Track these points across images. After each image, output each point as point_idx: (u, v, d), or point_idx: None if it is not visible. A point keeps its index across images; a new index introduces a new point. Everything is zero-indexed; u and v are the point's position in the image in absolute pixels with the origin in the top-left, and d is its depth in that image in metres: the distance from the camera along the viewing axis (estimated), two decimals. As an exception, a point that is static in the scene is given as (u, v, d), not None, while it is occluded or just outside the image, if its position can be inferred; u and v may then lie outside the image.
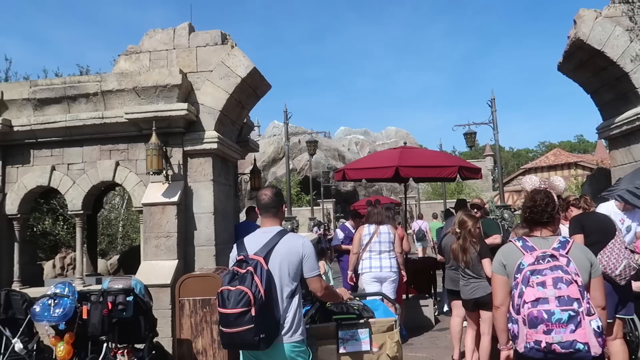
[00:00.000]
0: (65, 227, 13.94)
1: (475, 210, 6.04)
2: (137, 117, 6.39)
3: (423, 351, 6.12)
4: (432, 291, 8.23)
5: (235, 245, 2.98)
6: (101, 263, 10.31)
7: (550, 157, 38.96)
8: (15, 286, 6.54)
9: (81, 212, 6.74)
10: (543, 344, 2.26)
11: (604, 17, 6.41)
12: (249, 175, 9.18)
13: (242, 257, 2.79)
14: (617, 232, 4.38)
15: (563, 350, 2.24)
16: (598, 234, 4.35)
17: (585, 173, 32.14)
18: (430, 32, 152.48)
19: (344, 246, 7.72)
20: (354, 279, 6.36)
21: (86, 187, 6.73)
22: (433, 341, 6.63)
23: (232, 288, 2.64)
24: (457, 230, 5.01)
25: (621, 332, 4.36)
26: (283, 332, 2.73)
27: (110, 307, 4.72)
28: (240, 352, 2.89)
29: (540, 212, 2.62)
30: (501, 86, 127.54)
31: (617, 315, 4.30)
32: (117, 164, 6.73)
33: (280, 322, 2.72)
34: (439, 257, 6.45)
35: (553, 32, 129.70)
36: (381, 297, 4.14)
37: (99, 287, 5.65)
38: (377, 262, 5.95)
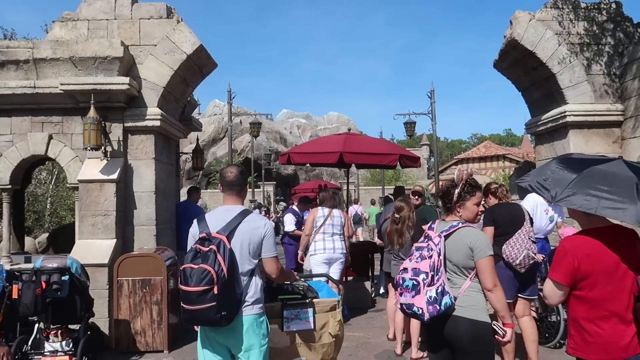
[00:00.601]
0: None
1: (417, 197, 6.32)
2: (74, 89, 6.08)
3: (360, 331, 6.38)
4: (370, 274, 8.54)
5: (195, 222, 2.94)
6: (28, 241, 9.74)
7: (481, 148, 40.99)
8: None
9: (9, 186, 6.36)
10: (397, 304, 2.91)
11: (537, 19, 6.84)
12: (190, 154, 9.00)
13: (204, 234, 2.77)
14: (524, 223, 4.75)
15: (407, 311, 2.80)
16: (507, 225, 4.74)
17: (512, 165, 34.16)
18: (374, 20, 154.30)
19: (297, 232, 7.78)
20: (303, 259, 6.48)
21: (15, 160, 6.34)
22: (370, 321, 6.92)
23: (195, 266, 2.64)
24: (396, 215, 5.26)
25: (528, 311, 4.89)
26: (243, 307, 2.79)
27: (44, 287, 4.54)
28: (199, 327, 2.91)
29: (444, 199, 3.02)
30: (439, 77, 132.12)
31: (520, 296, 4.79)
32: (51, 137, 6.38)
33: (241, 298, 2.78)
34: (378, 241, 6.71)
35: (491, 28, 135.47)
36: (326, 278, 4.28)
37: (29, 265, 5.40)
38: (330, 244, 6.12)
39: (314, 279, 4.10)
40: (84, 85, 6.04)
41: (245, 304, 2.80)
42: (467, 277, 2.78)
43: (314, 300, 3.38)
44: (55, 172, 15.34)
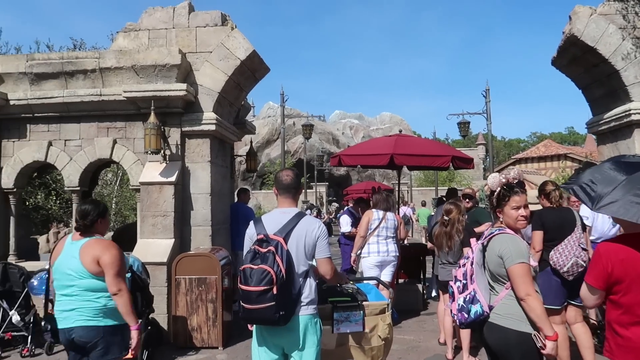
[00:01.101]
0: (57, 202, 13.96)
1: (467, 200, 6.21)
2: (136, 96, 6.42)
3: (411, 334, 6.33)
4: (422, 277, 8.44)
5: (252, 223, 3.06)
6: (94, 239, 10.39)
7: (541, 148, 39.27)
8: (11, 260, 6.62)
9: (77, 188, 6.81)
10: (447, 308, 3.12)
11: (598, 14, 6.51)
12: (244, 156, 9.26)
13: (262, 236, 2.88)
14: (575, 229, 4.57)
15: (453, 312, 2.90)
16: (556, 231, 4.58)
17: (574, 165, 32.53)
18: (427, 17, 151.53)
19: (354, 232, 7.80)
20: (356, 262, 6.50)
21: (83, 163, 6.78)
22: (421, 325, 6.85)
23: (255, 266, 2.76)
24: (445, 218, 5.18)
25: (581, 317, 4.70)
26: (299, 307, 2.87)
27: (108, 283, 4.82)
28: (255, 326, 3.01)
29: (490, 206, 2.99)
30: (495, 74, 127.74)
31: (571, 302, 4.62)
32: (115, 141, 6.77)
33: (298, 299, 2.87)
34: (429, 244, 6.63)
35: (549, 23, 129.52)
36: (376, 281, 4.29)
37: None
38: (384, 247, 6.15)
39: (364, 282, 4.12)
40: (145, 92, 6.36)
41: (301, 304, 2.88)
42: (504, 285, 2.74)
43: (364, 303, 3.41)
44: (120, 174, 16.19)
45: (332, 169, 32.43)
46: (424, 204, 20.47)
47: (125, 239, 9.62)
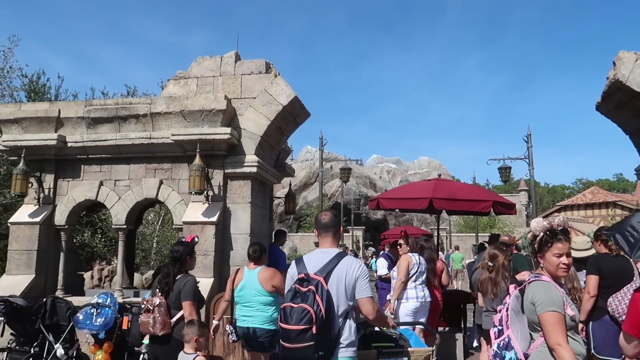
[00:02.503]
0: (102, 240, 14.47)
1: (504, 247, 6.05)
2: (183, 139, 6.72)
3: (451, 385, 6.06)
4: (462, 325, 8.14)
5: (293, 263, 3.11)
6: (136, 277, 10.64)
7: (588, 195, 37.76)
8: (59, 294, 6.86)
9: (124, 226, 7.07)
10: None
11: (644, 59, 6.42)
12: (283, 198, 9.40)
13: (303, 275, 2.92)
14: (634, 278, 4.41)
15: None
16: (614, 277, 4.44)
17: (624, 213, 31.06)
18: (466, 64, 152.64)
19: (389, 275, 7.70)
20: (393, 309, 6.35)
21: (131, 202, 7.06)
22: (461, 376, 6.54)
23: (295, 305, 2.79)
24: (490, 263, 5.05)
25: None
26: (338, 348, 2.86)
27: (150, 320, 4.92)
28: None
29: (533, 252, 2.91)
30: (537, 120, 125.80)
31: None
32: (161, 182, 7.05)
33: (337, 339, 2.85)
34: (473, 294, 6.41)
35: (591, 67, 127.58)
36: (421, 327, 4.20)
37: (138, 299, 5.89)
38: (421, 292, 6.03)
39: (403, 327, 4.04)
40: (192, 135, 6.66)
41: (340, 345, 2.86)
42: (539, 332, 2.65)
43: (409, 349, 3.34)
44: (162, 213, 16.68)
45: (369, 212, 32.24)
46: (457, 248, 20.30)
47: (165, 277, 9.84)
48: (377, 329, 3.59)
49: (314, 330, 2.72)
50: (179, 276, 4.07)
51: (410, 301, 6.08)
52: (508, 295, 2.92)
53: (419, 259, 6.24)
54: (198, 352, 3.77)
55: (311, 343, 2.71)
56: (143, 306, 3.98)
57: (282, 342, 2.83)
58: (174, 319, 3.96)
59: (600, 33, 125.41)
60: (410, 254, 6.36)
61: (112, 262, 15.60)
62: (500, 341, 2.71)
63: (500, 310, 2.87)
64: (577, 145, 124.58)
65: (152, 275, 11.49)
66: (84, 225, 13.72)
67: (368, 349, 3.34)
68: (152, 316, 3.85)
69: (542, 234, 2.79)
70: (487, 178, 78.19)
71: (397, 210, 8.72)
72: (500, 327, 2.77)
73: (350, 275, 2.95)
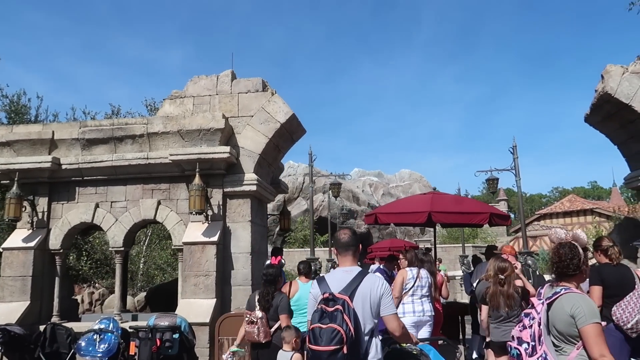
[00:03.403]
0: (88, 262, 14.14)
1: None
2: (181, 159, 6.67)
3: (457, 398, 6.07)
4: (461, 337, 8.19)
5: (315, 283, 3.08)
6: (129, 300, 10.41)
7: (566, 203, 38.71)
8: (55, 320, 6.67)
9: (122, 248, 6.95)
10: None
11: (630, 72, 6.69)
12: (278, 215, 9.37)
13: (328, 294, 2.89)
14: (636, 286, 4.54)
15: None
16: (617, 287, 4.57)
17: (601, 220, 31.84)
18: (442, 76, 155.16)
19: None
20: None
21: (128, 224, 6.95)
22: (466, 388, 6.57)
23: (324, 326, 2.76)
24: (501, 277, 5.10)
25: None
26: None
27: (158, 344, 4.84)
28: None
29: (566, 266, 2.85)
30: (512, 130, 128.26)
31: None
32: (159, 202, 6.97)
33: (365, 358, 2.84)
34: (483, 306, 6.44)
35: (562, 79, 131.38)
36: (442, 341, 4.21)
37: (142, 323, 5.77)
38: (419, 307, 6.02)
39: (428, 342, 4.06)
40: (190, 155, 6.62)
41: None
42: (574, 345, 2.67)
43: (430, 364, 3.35)
44: (149, 234, 16.41)
45: (354, 226, 32.29)
46: (440, 261, 20.51)
47: (157, 299, 9.66)
48: (397, 345, 3.60)
49: (344, 350, 2.71)
50: (275, 294, 4.72)
51: (407, 316, 6.09)
52: (533, 309, 2.94)
53: (418, 272, 6.27)
54: (294, 351, 4.30)
55: None
56: (247, 318, 4.69)
57: None
58: (273, 329, 4.61)
59: (570, 46, 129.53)
60: (407, 268, 6.39)
61: (97, 286, 15.26)
62: (538, 357, 2.72)
63: (530, 326, 2.85)
64: (552, 154, 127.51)
65: (144, 298, 11.28)
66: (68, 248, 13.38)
67: (392, 367, 3.34)
68: (255, 327, 4.57)
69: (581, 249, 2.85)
70: (466, 189, 79.21)
71: (393, 224, 8.79)
72: (533, 344, 2.76)
73: (375, 293, 2.95)
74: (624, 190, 40.46)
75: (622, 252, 4.98)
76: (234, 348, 5.17)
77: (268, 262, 8.46)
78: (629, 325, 4.40)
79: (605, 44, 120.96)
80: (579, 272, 2.84)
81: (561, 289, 2.80)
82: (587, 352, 2.62)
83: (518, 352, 2.85)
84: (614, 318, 4.52)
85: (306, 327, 4.66)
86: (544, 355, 2.72)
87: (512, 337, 2.93)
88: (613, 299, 4.55)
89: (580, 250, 2.86)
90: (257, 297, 4.84)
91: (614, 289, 4.59)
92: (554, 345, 2.76)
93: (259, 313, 4.65)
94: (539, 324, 2.76)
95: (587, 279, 5.03)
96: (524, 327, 2.86)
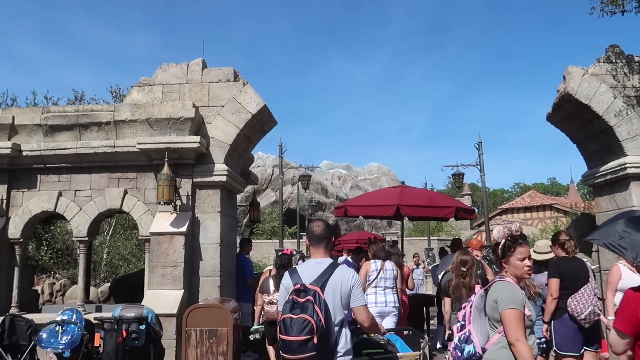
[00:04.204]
0: (49, 252, 13.73)
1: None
2: (150, 148, 6.55)
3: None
4: (426, 327, 8.41)
5: (287, 274, 3.13)
6: (92, 290, 10.17)
7: (526, 198, 40.06)
8: (13, 311, 6.47)
9: (86, 238, 6.79)
10: None
11: (590, 74, 6.96)
12: (247, 206, 9.34)
13: (299, 285, 2.94)
14: (589, 279, 4.85)
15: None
16: (572, 279, 4.85)
17: (559, 215, 33.09)
18: (410, 73, 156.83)
19: None
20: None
21: (93, 214, 6.79)
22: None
23: (295, 316, 2.80)
24: (463, 269, 5.27)
25: None
26: (336, 357, 2.90)
27: (124, 336, 4.78)
28: None
29: (495, 257, 3.15)
30: (476, 127, 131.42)
31: (587, 349, 4.87)
32: (126, 192, 6.83)
33: (335, 348, 2.90)
34: (446, 298, 6.58)
35: (525, 78, 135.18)
36: (407, 331, 4.32)
37: (108, 314, 5.67)
38: (382, 297, 6.13)
39: (394, 332, 4.16)
40: (159, 144, 6.51)
41: (338, 354, 2.91)
42: (496, 330, 2.86)
43: (398, 354, 3.45)
44: (113, 223, 16.04)
45: (322, 218, 32.45)
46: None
47: (122, 290, 9.48)
48: (366, 335, 3.68)
49: (315, 340, 2.76)
50: None
51: (370, 306, 6.19)
52: (474, 294, 3.12)
53: (382, 264, 6.38)
54: None
55: (313, 353, 2.75)
56: (267, 299, 5.59)
57: (282, 354, 2.85)
58: None
59: (532, 46, 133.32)
60: (372, 260, 6.50)
61: (58, 277, 14.83)
62: (461, 335, 2.92)
63: (464, 307, 3.06)
64: (513, 151, 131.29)
65: (108, 289, 11.05)
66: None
67: (359, 356, 3.42)
68: (275, 307, 5.30)
69: (504, 240, 3.00)
70: (432, 183, 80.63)
71: (362, 217, 8.90)
72: (462, 322, 2.99)
73: (346, 285, 3.02)
74: (580, 187, 42.18)
75: (577, 246, 5.23)
76: (255, 327, 6.22)
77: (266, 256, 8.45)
78: (582, 316, 4.69)
79: (566, 46, 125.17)
80: (502, 263, 3.04)
81: (498, 278, 2.99)
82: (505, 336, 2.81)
83: (452, 330, 3.26)
84: (569, 309, 4.81)
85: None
86: (467, 333, 2.96)
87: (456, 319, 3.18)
88: (568, 291, 4.84)
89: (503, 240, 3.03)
90: (271, 282, 5.92)
91: (568, 282, 4.87)
92: (490, 328, 2.91)
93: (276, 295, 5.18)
94: (471, 306, 3.00)
95: (546, 272, 5.28)
96: (463, 309, 3.13)
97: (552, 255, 5.48)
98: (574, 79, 6.92)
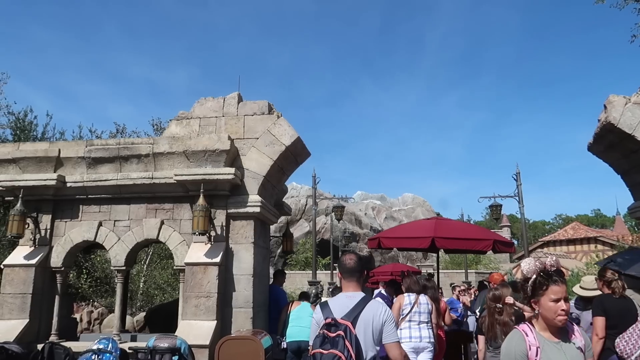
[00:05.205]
0: (88, 280, 14.08)
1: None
2: (186, 179, 6.70)
3: None
4: (463, 366, 8.07)
5: (318, 308, 3.08)
6: (127, 320, 10.31)
7: (569, 230, 38.50)
8: (53, 339, 6.61)
9: (124, 268, 6.92)
10: None
11: (633, 103, 6.73)
12: (280, 237, 9.35)
13: (330, 320, 2.89)
14: (639, 317, 4.56)
15: None
16: (618, 318, 4.59)
17: (605, 249, 31.61)
18: (445, 102, 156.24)
19: None
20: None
21: (130, 243, 6.95)
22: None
23: (325, 351, 2.75)
24: (499, 305, 5.06)
25: None
26: None
27: (157, 366, 4.78)
28: None
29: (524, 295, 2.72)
30: (514, 157, 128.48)
31: None
32: (162, 222, 6.98)
33: None
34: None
35: (565, 106, 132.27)
36: None
37: (142, 344, 5.71)
38: (416, 332, 5.95)
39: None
40: (195, 175, 6.65)
41: None
42: None
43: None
44: (150, 253, 16.36)
45: (356, 249, 32.11)
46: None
47: (156, 320, 9.57)
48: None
49: None
50: None
51: (404, 341, 6.00)
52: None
53: (416, 298, 6.20)
54: None
55: None
56: None
57: None
58: None
59: (571, 74, 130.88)
60: (405, 294, 6.33)
61: (96, 305, 15.14)
62: None
63: None
64: (555, 181, 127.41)
65: (143, 318, 11.18)
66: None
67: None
68: None
69: (535, 276, 2.53)
70: (468, 214, 79.00)
71: (396, 249, 8.75)
72: None
73: (378, 320, 2.94)
74: (627, 219, 40.28)
75: (625, 287, 4.95)
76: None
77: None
78: (632, 358, 4.38)
79: (606, 74, 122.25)
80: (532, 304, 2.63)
81: (522, 324, 2.71)
82: None
83: None
84: (617, 350, 4.52)
85: (296, 334, 5.30)
86: None
87: None
88: (615, 330, 4.57)
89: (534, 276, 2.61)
90: None
91: (615, 320, 4.62)
92: None
93: None
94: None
95: (591, 310, 5.02)
96: None
97: (598, 292, 5.22)
98: (615, 108, 6.71)
